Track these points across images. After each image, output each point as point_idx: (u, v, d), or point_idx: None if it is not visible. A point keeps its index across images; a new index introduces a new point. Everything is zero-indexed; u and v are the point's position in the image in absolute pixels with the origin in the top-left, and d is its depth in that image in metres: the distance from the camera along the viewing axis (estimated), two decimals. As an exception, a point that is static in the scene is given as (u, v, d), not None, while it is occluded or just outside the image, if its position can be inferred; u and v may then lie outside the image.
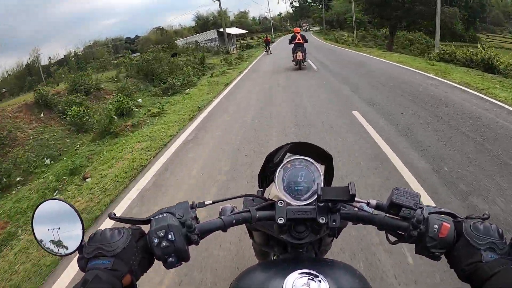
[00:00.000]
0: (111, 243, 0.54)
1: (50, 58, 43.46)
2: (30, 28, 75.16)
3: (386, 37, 27.39)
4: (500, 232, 0.54)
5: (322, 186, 0.63)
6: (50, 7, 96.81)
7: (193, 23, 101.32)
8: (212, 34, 28.12)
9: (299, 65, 10.69)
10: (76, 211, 0.56)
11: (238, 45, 31.82)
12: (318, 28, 68.78)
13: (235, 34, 32.46)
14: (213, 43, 26.42)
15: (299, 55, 10.40)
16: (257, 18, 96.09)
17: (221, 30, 26.40)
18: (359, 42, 24.34)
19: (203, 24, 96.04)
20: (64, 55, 51.58)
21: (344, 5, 41.94)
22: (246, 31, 39.29)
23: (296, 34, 10.71)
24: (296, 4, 76.23)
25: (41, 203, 0.58)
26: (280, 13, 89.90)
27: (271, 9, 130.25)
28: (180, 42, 28.08)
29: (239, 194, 0.73)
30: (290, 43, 10.84)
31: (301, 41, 10.43)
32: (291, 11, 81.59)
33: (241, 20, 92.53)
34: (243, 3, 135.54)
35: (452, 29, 32.61)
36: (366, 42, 25.02)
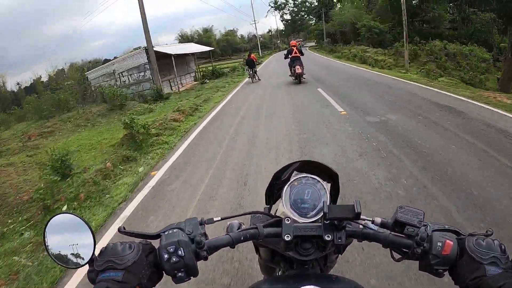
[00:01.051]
0: (121, 256, 0.54)
1: (18, 83, 39.55)
2: (18, 49, 70.36)
3: (448, 55, 15.95)
4: (503, 247, 0.54)
5: (328, 204, 0.65)
6: (40, 28, 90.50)
7: (176, 43, 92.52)
8: (139, 57, 13.67)
9: (299, 79, 10.02)
10: (88, 225, 0.57)
11: (199, 71, 19.82)
12: (313, 43, 59.19)
13: (193, 54, 19.70)
14: (141, 73, 14.06)
15: (298, 69, 9.85)
16: (246, 36, 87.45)
17: (161, 50, 14.17)
18: (413, 67, 12.89)
19: (186, 42, 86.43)
20: (34, 80, 44.78)
21: (350, 13, 31.59)
22: (212, 48, 26.99)
23: (292, 48, 10.29)
24: (288, 16, 66.58)
25: (53, 217, 0.58)
26: (270, 30, 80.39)
27: (259, 28, 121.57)
28: (94, 74, 15.75)
29: (246, 211, 0.74)
30: (286, 57, 10.49)
31: (298, 55, 10.03)
32: (281, 26, 71.79)
33: (228, 38, 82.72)
34: (231, 21, 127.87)
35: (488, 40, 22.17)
36: (422, 65, 13.56)
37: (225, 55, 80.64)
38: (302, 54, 10.22)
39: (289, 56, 10.19)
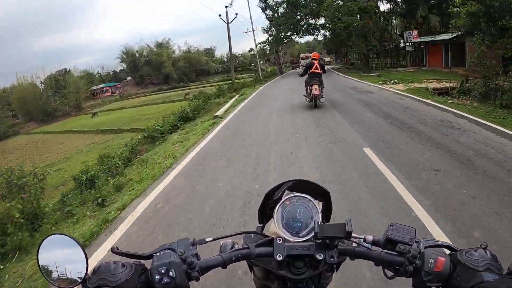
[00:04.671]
0: (114, 274, 0.55)
1: None
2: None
3: None
4: (495, 256, 0.55)
5: (320, 223, 0.67)
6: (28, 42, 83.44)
7: (118, 63, 66.05)
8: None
9: (314, 102, 8.12)
10: (80, 245, 0.58)
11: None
12: (328, 59, 35.68)
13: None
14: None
15: (316, 89, 7.88)
16: (224, 55, 64.51)
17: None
18: None
19: (132, 63, 60.61)
20: None
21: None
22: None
23: (313, 61, 8.28)
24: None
25: (46, 238, 0.59)
26: (251, 49, 57.59)
27: (237, 48, 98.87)
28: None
29: (239, 231, 0.75)
30: (304, 73, 8.39)
31: (319, 71, 8.09)
32: (261, 25, 42.78)
33: (189, 55, 57.91)
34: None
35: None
36: None
37: (186, 80, 56.52)
38: (324, 71, 8.27)
39: (308, 71, 8.20)
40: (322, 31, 30.12)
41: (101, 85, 60.11)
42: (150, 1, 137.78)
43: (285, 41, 34.19)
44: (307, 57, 43.84)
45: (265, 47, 39.55)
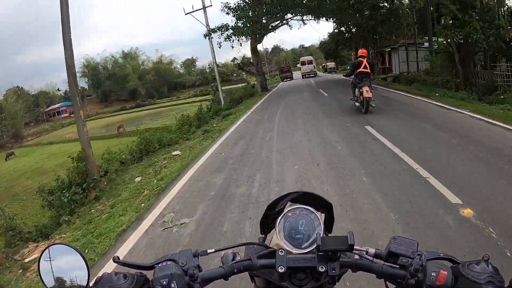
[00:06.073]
0: (116, 285, 0.55)
1: None
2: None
3: None
4: (496, 268, 0.55)
5: (322, 235, 0.66)
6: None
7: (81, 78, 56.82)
8: None
9: (366, 106, 6.80)
10: (82, 255, 0.58)
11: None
12: (333, 65, 27.59)
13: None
14: None
15: (367, 92, 6.62)
16: (207, 65, 57.20)
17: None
18: None
19: (95, 76, 51.87)
20: None
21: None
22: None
23: (361, 60, 7.04)
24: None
25: (47, 248, 0.59)
26: (235, 59, 50.50)
27: (220, 57, 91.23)
28: None
29: (241, 243, 0.75)
30: (351, 73, 7.25)
31: (368, 70, 6.95)
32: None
33: (158, 67, 49.89)
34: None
35: None
36: None
37: (156, 95, 48.34)
38: (373, 71, 7.49)
39: (356, 70, 7.02)
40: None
41: (57, 105, 50.93)
42: (139, 13, 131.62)
43: (270, 28, 19.38)
44: (310, 62, 33.06)
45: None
